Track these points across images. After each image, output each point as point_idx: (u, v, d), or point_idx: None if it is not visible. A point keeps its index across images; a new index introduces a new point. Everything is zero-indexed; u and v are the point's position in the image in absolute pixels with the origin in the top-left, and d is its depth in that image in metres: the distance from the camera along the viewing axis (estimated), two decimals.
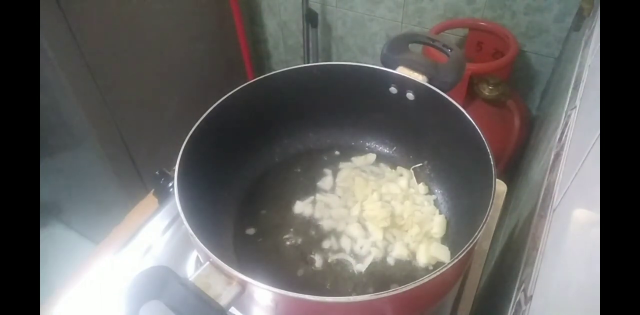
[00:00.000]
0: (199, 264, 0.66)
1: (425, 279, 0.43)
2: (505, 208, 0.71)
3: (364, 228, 0.65)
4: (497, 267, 0.76)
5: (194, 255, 0.67)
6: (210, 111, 0.58)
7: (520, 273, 0.60)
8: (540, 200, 0.68)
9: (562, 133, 0.72)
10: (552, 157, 0.72)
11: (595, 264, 0.30)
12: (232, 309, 0.47)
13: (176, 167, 0.52)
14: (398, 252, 0.62)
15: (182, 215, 0.48)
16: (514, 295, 0.58)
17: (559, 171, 0.62)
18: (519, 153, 1.40)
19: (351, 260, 0.62)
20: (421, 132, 0.69)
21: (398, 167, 0.72)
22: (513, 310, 0.55)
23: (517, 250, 0.68)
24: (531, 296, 0.50)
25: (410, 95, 0.64)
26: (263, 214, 0.68)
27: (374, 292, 0.43)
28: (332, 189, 0.70)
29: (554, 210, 0.56)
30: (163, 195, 0.77)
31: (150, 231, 0.72)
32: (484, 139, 0.55)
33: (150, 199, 0.78)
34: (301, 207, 0.68)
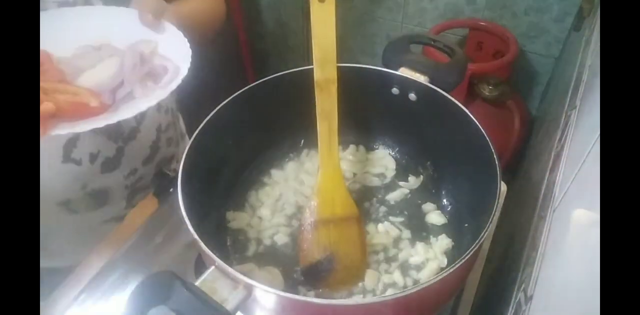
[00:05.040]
0: (200, 266, 0.66)
1: (432, 280, 0.43)
2: (506, 208, 0.71)
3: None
4: (497, 267, 0.76)
5: (194, 256, 0.67)
6: (214, 113, 0.58)
7: (520, 273, 0.60)
8: (540, 201, 0.68)
9: (562, 133, 0.72)
10: (552, 157, 0.73)
11: (595, 264, 0.30)
12: (238, 313, 0.47)
13: (179, 170, 0.52)
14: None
15: (185, 219, 0.48)
16: (514, 295, 0.58)
17: (559, 171, 0.62)
18: (519, 153, 1.41)
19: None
20: (424, 132, 0.69)
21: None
22: (513, 311, 0.55)
23: (517, 250, 0.69)
24: (531, 296, 0.50)
25: (412, 96, 0.65)
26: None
27: None
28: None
29: (554, 210, 0.57)
30: (163, 195, 0.77)
31: (151, 232, 0.72)
32: (487, 139, 0.55)
33: (151, 200, 0.78)
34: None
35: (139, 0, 0.61)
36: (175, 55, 0.57)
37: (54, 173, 0.68)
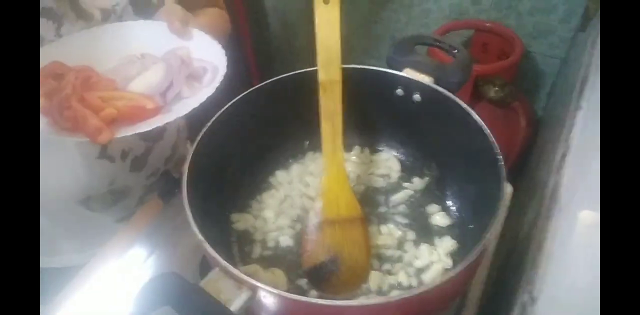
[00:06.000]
0: (204, 267, 0.66)
1: (436, 282, 0.43)
2: (511, 209, 0.71)
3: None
4: (502, 269, 0.75)
5: (199, 257, 0.68)
6: (219, 115, 0.59)
7: (525, 275, 0.60)
8: (546, 202, 0.67)
9: (569, 134, 0.72)
10: (558, 158, 0.72)
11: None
12: None
13: (184, 172, 0.53)
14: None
15: (190, 220, 0.48)
16: (519, 297, 0.58)
17: (566, 172, 0.62)
18: (524, 154, 1.40)
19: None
20: (429, 133, 0.69)
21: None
22: (518, 312, 0.55)
23: (522, 251, 0.68)
24: (536, 298, 0.50)
25: (417, 97, 0.64)
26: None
27: None
28: None
29: (560, 211, 0.56)
30: (168, 196, 0.78)
31: (155, 233, 0.72)
32: (493, 140, 0.55)
33: (155, 201, 0.79)
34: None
35: (166, 10, 0.66)
36: (210, 56, 0.62)
37: (87, 169, 0.70)
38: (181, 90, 0.59)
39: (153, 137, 0.76)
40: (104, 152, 0.70)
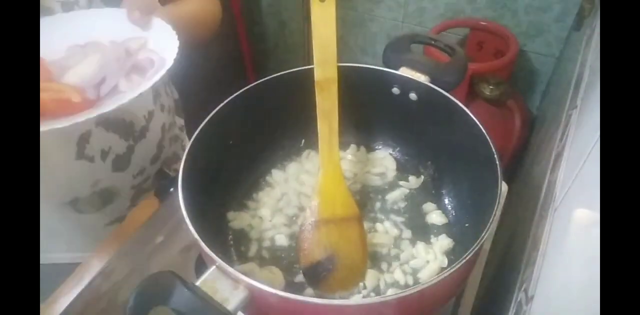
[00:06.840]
0: (200, 266, 0.66)
1: (432, 280, 0.43)
2: (506, 207, 0.71)
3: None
4: (498, 268, 0.76)
5: (195, 256, 0.67)
6: (214, 113, 0.58)
7: (521, 273, 0.60)
8: (541, 200, 0.68)
9: (563, 133, 0.72)
10: (553, 157, 0.73)
11: (596, 264, 0.30)
12: (239, 313, 0.47)
13: (180, 170, 0.52)
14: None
15: (186, 219, 0.48)
16: (515, 295, 0.58)
17: (560, 171, 0.62)
18: (519, 153, 1.40)
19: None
20: (425, 132, 0.69)
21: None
22: (514, 311, 0.55)
23: (518, 250, 0.69)
24: (532, 296, 0.50)
25: (413, 96, 0.65)
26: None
27: None
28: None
29: (555, 210, 0.57)
30: (164, 195, 0.77)
31: (151, 231, 0.72)
32: (488, 138, 0.55)
33: (152, 199, 0.78)
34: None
35: None
36: (164, 48, 0.58)
37: (68, 170, 0.69)
38: (119, 83, 0.55)
39: (135, 136, 0.74)
40: (82, 153, 0.68)
